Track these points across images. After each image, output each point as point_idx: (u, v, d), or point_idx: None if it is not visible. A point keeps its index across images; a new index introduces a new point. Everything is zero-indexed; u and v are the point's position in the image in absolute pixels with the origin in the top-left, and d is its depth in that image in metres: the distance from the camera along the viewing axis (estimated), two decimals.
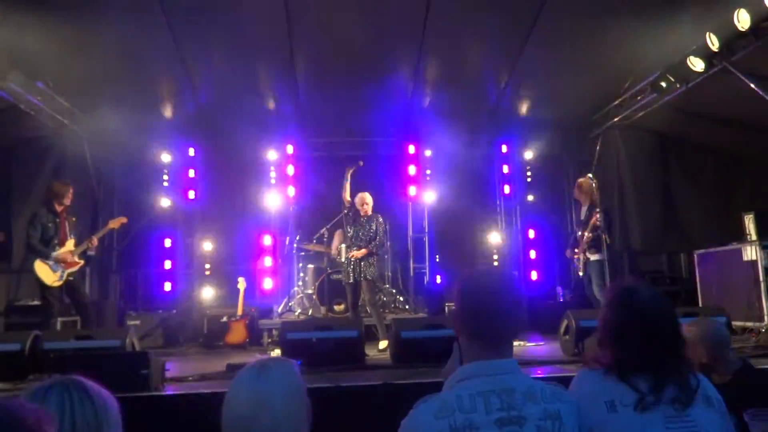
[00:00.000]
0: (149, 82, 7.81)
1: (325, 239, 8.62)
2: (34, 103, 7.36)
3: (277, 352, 6.00)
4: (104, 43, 6.45)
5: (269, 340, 7.71)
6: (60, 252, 6.31)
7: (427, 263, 9.57)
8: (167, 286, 9.19)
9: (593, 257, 6.70)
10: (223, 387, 3.80)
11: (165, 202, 9.40)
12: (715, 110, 8.06)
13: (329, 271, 8.28)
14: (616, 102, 8.80)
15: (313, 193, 9.48)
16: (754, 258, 6.81)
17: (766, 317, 6.48)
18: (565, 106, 8.89)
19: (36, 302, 7.05)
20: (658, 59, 7.16)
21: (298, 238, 8.87)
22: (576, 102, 8.74)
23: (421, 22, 6.67)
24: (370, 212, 6.97)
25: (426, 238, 9.67)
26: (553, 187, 10.09)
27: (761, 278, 6.65)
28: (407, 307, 8.73)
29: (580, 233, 6.91)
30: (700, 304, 7.57)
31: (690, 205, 9.48)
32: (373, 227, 6.91)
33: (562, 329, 5.58)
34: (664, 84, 7.32)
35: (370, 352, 5.97)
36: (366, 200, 6.95)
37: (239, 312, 7.78)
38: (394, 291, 8.95)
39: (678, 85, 7.20)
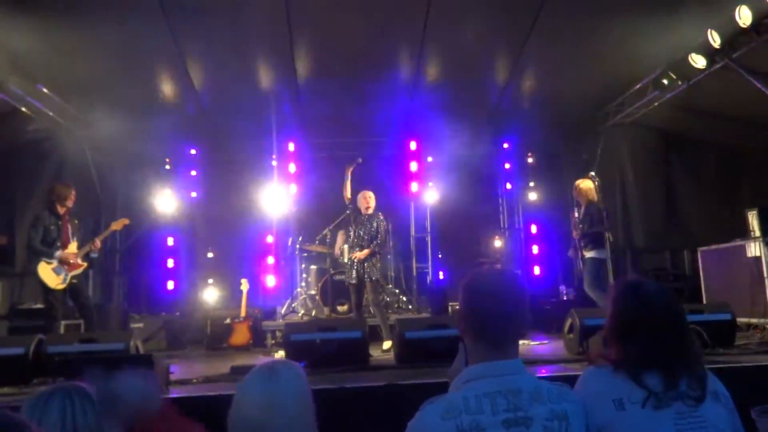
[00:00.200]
0: (150, 83, 7.81)
1: (327, 240, 8.61)
2: (35, 106, 7.36)
3: (281, 354, 5.99)
4: (105, 44, 6.46)
5: (273, 342, 7.70)
6: (63, 252, 6.31)
7: (429, 263, 9.57)
8: (170, 285, 9.18)
9: (588, 254, 6.72)
10: (228, 389, 3.80)
11: (167, 203, 9.41)
12: (717, 107, 8.05)
13: (332, 271, 8.27)
14: (618, 100, 8.79)
15: (314, 194, 9.48)
16: (757, 254, 6.79)
17: None
18: (567, 104, 8.88)
19: (39, 306, 7.05)
20: (660, 56, 7.14)
21: (300, 239, 8.87)
22: (578, 100, 8.73)
23: (422, 21, 6.66)
24: (372, 210, 6.96)
25: (428, 238, 9.67)
26: (555, 186, 10.08)
27: (765, 274, 6.63)
28: (411, 307, 8.73)
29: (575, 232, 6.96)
30: (704, 301, 7.55)
31: (693, 202, 9.46)
32: (375, 226, 6.90)
33: (566, 328, 5.57)
34: (665, 81, 7.30)
35: (374, 353, 5.95)
36: (368, 197, 6.94)
37: (242, 314, 7.79)
38: (397, 291, 8.94)
39: (680, 82, 7.18)
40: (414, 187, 9.59)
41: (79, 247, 6.47)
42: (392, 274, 9.10)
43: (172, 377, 4.64)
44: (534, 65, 7.77)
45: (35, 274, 6.20)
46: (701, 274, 7.89)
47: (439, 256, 9.60)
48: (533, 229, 9.87)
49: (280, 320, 8.08)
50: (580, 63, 7.45)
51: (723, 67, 6.53)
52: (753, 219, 7.00)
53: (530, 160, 10.13)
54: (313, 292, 8.53)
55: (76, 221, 6.65)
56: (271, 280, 8.83)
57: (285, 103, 8.74)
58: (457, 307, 1.82)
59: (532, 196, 10.14)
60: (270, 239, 9.10)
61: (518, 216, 10.10)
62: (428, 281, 9.48)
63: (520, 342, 1.78)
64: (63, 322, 6.74)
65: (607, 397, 1.72)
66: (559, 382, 1.69)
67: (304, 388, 1.56)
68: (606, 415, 1.69)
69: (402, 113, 8.80)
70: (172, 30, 6.48)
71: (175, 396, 4.16)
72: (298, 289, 8.86)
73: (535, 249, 9.78)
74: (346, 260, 7.02)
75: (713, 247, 7.75)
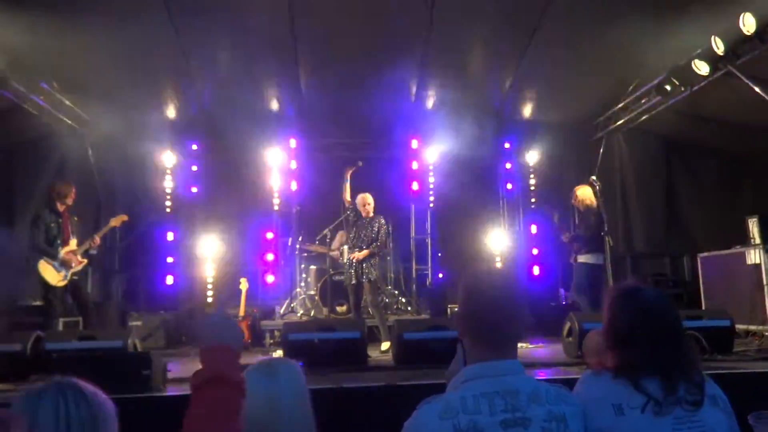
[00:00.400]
0: (152, 81, 7.81)
1: (327, 240, 8.61)
2: (38, 103, 7.37)
3: (279, 353, 5.99)
4: (108, 42, 6.46)
5: (271, 341, 7.69)
6: (64, 252, 6.32)
7: (429, 264, 9.56)
8: (169, 280, 9.18)
9: (580, 258, 6.76)
10: None
11: (168, 200, 9.40)
12: (719, 114, 8.05)
13: (331, 272, 8.26)
14: (620, 105, 8.79)
15: (315, 194, 9.48)
16: (757, 261, 6.79)
17: None
18: (569, 109, 8.88)
19: (38, 302, 7.05)
20: (663, 62, 7.14)
21: (300, 239, 8.86)
22: (580, 104, 8.74)
23: (426, 24, 6.67)
24: (371, 213, 6.96)
25: (428, 240, 9.67)
26: (556, 191, 10.07)
27: (764, 282, 6.63)
28: (410, 308, 8.72)
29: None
30: (704, 308, 7.54)
31: (693, 208, 9.46)
32: (375, 228, 6.90)
33: (565, 331, 5.56)
34: (668, 87, 7.30)
35: (373, 354, 5.96)
36: (367, 201, 6.94)
37: (241, 313, 7.77)
38: (396, 292, 8.93)
39: (682, 89, 7.18)
40: (414, 185, 9.60)
41: (79, 245, 6.48)
42: (392, 275, 9.09)
43: (170, 375, 4.63)
44: (536, 69, 7.76)
45: (36, 271, 6.20)
46: (701, 280, 7.89)
47: (439, 254, 9.60)
48: (533, 229, 9.86)
49: (279, 320, 8.07)
50: (583, 68, 7.46)
51: (726, 74, 6.53)
52: (753, 226, 7.01)
53: (531, 160, 10.12)
54: (312, 293, 8.53)
55: (76, 218, 6.66)
56: (270, 277, 8.83)
57: (287, 101, 8.75)
58: (457, 307, 1.82)
59: (533, 199, 10.13)
60: (270, 236, 9.10)
61: (519, 217, 10.10)
62: (428, 283, 9.47)
63: (519, 345, 1.77)
64: (61, 320, 6.73)
65: (606, 402, 1.72)
66: (558, 384, 1.69)
67: (302, 386, 1.55)
68: (605, 420, 1.69)
69: (403, 114, 8.81)
70: (176, 27, 6.49)
71: (173, 394, 4.16)
72: (297, 289, 8.85)
73: (534, 251, 9.77)
74: (345, 261, 7.01)
75: (713, 253, 7.75)
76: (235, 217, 9.33)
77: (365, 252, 6.75)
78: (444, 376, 1.77)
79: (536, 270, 9.58)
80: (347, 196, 7.07)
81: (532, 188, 10.18)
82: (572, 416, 1.58)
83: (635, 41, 6.64)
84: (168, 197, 9.48)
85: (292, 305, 8.65)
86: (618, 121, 9.03)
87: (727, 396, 1.83)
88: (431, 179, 9.89)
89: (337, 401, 3.75)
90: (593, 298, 6.43)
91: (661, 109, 8.13)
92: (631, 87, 8.23)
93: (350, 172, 7.13)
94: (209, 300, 9.08)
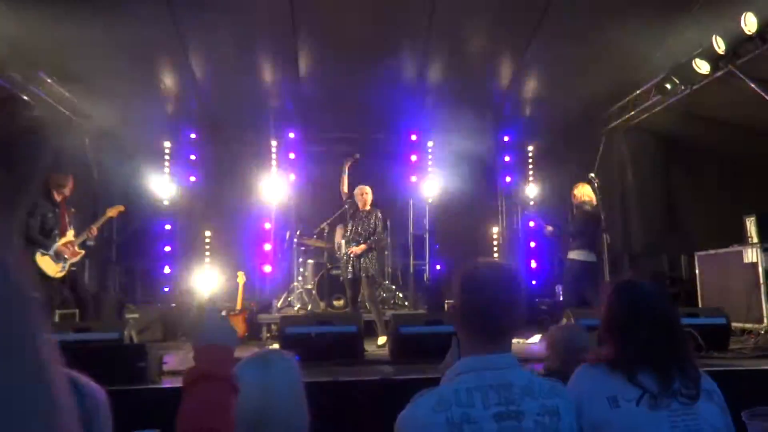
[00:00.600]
0: (151, 71, 7.78)
1: (325, 234, 8.60)
2: (35, 93, 7.34)
3: (276, 347, 5.99)
4: (107, 33, 6.43)
5: (268, 335, 7.69)
6: (60, 243, 6.29)
7: (427, 259, 9.57)
8: (167, 270, 9.16)
9: (570, 254, 6.82)
10: None
11: (166, 190, 9.39)
12: (719, 113, 8.04)
13: (329, 266, 8.27)
14: (620, 103, 8.78)
15: (313, 188, 9.47)
16: (754, 260, 6.80)
17: (765, 319, 6.47)
18: (569, 106, 8.87)
19: (34, 295, 7.02)
20: (664, 61, 7.14)
21: (298, 232, 8.86)
22: (579, 102, 8.72)
23: (427, 19, 6.65)
24: (369, 205, 6.95)
25: (426, 235, 9.67)
26: (555, 181, 10.07)
27: (761, 281, 6.64)
28: (407, 303, 8.73)
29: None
30: (700, 306, 7.56)
31: (692, 206, 9.45)
32: (372, 222, 6.90)
33: None
34: (668, 86, 7.30)
35: (369, 348, 5.96)
36: (365, 191, 6.93)
37: (238, 306, 7.76)
38: (393, 287, 8.94)
39: (683, 88, 7.18)
40: (413, 178, 9.59)
41: (76, 235, 6.46)
42: (389, 270, 9.10)
43: (166, 368, 4.63)
44: (536, 67, 7.75)
45: (33, 263, 6.17)
46: (698, 278, 7.90)
47: (437, 247, 9.60)
48: (531, 223, 9.88)
49: (276, 313, 8.07)
50: (583, 66, 7.44)
51: (726, 74, 6.53)
52: (751, 225, 7.02)
53: (530, 153, 10.12)
54: (309, 287, 8.53)
55: (73, 209, 6.64)
56: (267, 267, 8.82)
57: (286, 94, 8.72)
58: (452, 299, 1.81)
59: (532, 190, 10.14)
60: (268, 226, 9.09)
61: (517, 210, 10.10)
62: (425, 278, 9.47)
63: (515, 341, 1.77)
64: (58, 311, 6.73)
65: (601, 394, 1.73)
66: (552, 378, 1.69)
67: (297, 378, 1.55)
68: (600, 412, 1.69)
69: (402, 108, 8.79)
70: (175, 19, 6.46)
71: (168, 386, 4.16)
72: (295, 283, 8.85)
73: (532, 244, 9.78)
74: (342, 255, 7.02)
75: (710, 252, 7.75)
76: (232, 209, 9.32)
77: (362, 246, 6.75)
78: (438, 370, 1.77)
79: (533, 264, 9.59)
80: (345, 188, 7.06)
81: (531, 179, 10.17)
82: (566, 409, 1.57)
83: (636, 40, 6.63)
84: (166, 188, 9.45)
85: (289, 299, 8.65)
86: (618, 119, 9.02)
87: (722, 393, 1.84)
88: (429, 173, 9.88)
89: (333, 394, 3.75)
90: (576, 294, 6.51)
91: (661, 108, 8.12)
92: (631, 86, 8.22)
93: (348, 164, 7.12)
94: (204, 295, 9.06)
